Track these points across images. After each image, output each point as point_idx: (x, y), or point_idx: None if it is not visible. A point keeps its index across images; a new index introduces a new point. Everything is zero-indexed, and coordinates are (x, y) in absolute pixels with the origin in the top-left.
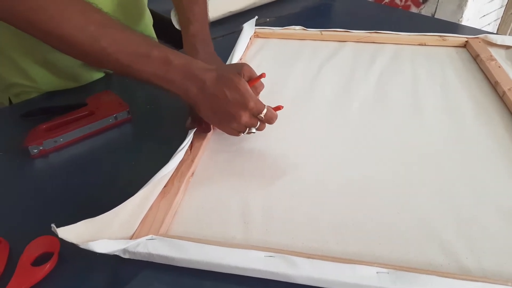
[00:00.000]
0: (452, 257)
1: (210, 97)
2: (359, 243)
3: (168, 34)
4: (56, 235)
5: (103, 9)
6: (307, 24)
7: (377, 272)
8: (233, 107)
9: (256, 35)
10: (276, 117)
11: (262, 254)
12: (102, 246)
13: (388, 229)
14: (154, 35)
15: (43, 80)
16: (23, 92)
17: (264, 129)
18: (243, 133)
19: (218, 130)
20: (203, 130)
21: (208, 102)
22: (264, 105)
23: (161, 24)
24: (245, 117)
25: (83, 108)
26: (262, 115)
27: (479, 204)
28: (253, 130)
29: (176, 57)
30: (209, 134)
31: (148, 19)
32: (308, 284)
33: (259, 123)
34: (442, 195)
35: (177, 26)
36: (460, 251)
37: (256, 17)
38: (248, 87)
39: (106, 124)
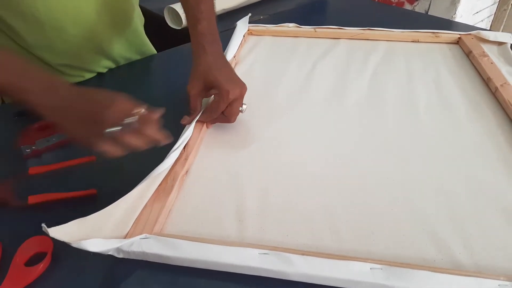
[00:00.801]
0: (445, 253)
1: (69, 110)
2: (353, 240)
3: (161, 32)
4: (48, 235)
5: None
6: (301, 22)
7: (370, 268)
8: (95, 106)
9: (250, 33)
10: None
11: (256, 251)
12: (95, 245)
13: (382, 225)
14: (144, 35)
15: None
16: None
17: (259, 127)
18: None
19: (211, 127)
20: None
21: (68, 115)
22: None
23: (154, 22)
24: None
25: None
26: (129, 120)
27: (472, 200)
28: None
29: (37, 69)
30: (203, 133)
31: (139, 19)
32: (303, 280)
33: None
34: (436, 191)
35: (170, 24)
36: (453, 247)
37: (250, 14)
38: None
39: None
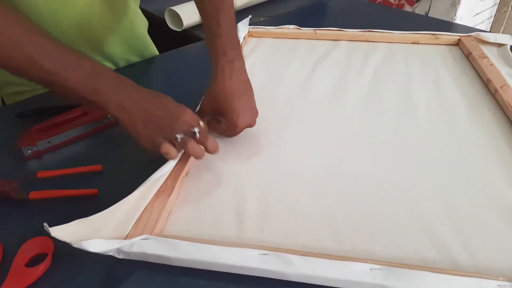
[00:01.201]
0: (445, 253)
1: (141, 112)
2: (353, 241)
3: (161, 34)
4: (49, 236)
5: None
6: (301, 23)
7: (370, 269)
8: (164, 120)
9: (250, 35)
10: (216, 147)
11: (256, 252)
12: (96, 246)
13: (381, 226)
14: (148, 39)
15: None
16: (17, 92)
17: (259, 128)
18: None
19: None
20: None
21: (138, 116)
22: (198, 122)
23: (154, 24)
24: (179, 128)
25: (77, 109)
26: (195, 130)
27: (472, 201)
28: (178, 137)
29: (106, 69)
30: None
31: (142, 23)
32: (303, 281)
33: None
34: (435, 192)
35: (171, 26)
36: (453, 247)
37: (250, 16)
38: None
39: (100, 125)
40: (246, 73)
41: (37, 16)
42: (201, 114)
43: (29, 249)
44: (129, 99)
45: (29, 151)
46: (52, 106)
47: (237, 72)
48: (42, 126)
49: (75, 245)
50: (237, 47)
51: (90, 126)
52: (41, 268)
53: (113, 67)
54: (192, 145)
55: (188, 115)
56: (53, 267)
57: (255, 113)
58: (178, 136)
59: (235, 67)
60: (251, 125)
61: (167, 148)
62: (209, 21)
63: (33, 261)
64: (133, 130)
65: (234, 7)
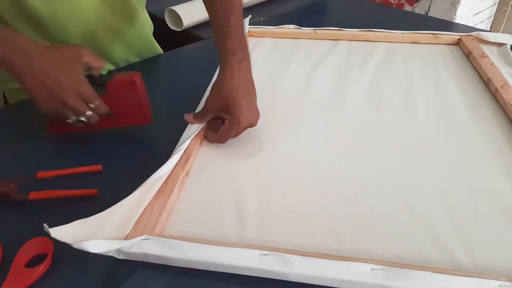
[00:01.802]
0: (446, 253)
1: (37, 73)
2: (353, 241)
3: (161, 35)
4: (49, 236)
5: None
6: (301, 23)
7: (371, 269)
8: (62, 89)
9: (250, 34)
10: (106, 112)
11: (257, 252)
12: (95, 246)
13: (382, 226)
14: (153, 41)
15: None
16: (19, 88)
17: (259, 128)
18: (71, 119)
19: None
20: (214, 138)
21: (34, 78)
22: (98, 97)
23: (154, 24)
24: (73, 100)
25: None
26: (92, 105)
27: (473, 201)
28: (83, 118)
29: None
30: (203, 134)
31: (146, 24)
32: (303, 281)
33: (89, 113)
34: (436, 192)
35: (171, 26)
36: (454, 247)
37: (250, 16)
38: (82, 73)
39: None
40: (251, 72)
41: (41, 24)
42: (205, 111)
43: (29, 249)
44: (21, 59)
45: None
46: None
47: (244, 72)
48: None
49: (75, 246)
50: (246, 47)
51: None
52: (41, 268)
53: (113, 68)
54: (91, 117)
55: (87, 87)
56: (53, 267)
57: (257, 113)
58: (71, 120)
59: (242, 66)
60: (252, 124)
61: (56, 117)
62: (219, 21)
63: (33, 262)
64: (30, 93)
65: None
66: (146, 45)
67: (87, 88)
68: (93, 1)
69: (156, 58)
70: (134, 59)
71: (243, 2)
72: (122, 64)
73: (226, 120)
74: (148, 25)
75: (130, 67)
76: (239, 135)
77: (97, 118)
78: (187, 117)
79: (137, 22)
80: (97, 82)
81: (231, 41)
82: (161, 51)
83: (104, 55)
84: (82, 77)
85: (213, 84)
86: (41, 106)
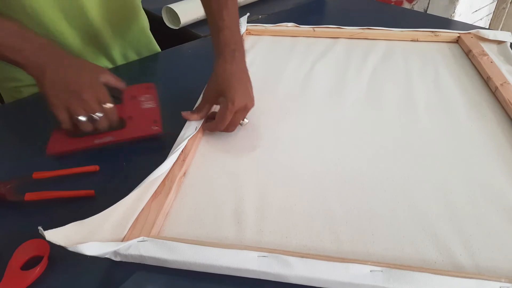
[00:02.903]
0: (446, 254)
1: (60, 70)
2: (353, 242)
3: (159, 33)
4: (45, 238)
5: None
6: (300, 21)
7: (370, 271)
8: (79, 85)
9: (248, 32)
10: (116, 120)
11: (255, 254)
12: (92, 249)
13: (382, 227)
14: (151, 38)
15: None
16: (15, 87)
17: (257, 127)
18: (83, 116)
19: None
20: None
21: (55, 73)
22: (112, 102)
23: (152, 22)
24: (88, 96)
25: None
26: (106, 106)
27: (473, 201)
28: (94, 116)
29: (31, 31)
30: (201, 134)
31: (144, 22)
32: (302, 283)
33: (100, 114)
34: (436, 192)
35: (168, 24)
36: (454, 248)
37: (248, 14)
38: (101, 81)
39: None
40: (245, 63)
41: (40, 21)
42: (202, 102)
43: (24, 251)
44: (47, 60)
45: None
46: None
47: (237, 60)
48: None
49: (70, 249)
50: (239, 40)
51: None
52: (37, 271)
53: (111, 66)
54: (100, 121)
55: (99, 92)
56: (49, 270)
57: (252, 98)
58: (81, 118)
59: (235, 56)
60: (247, 107)
61: (64, 117)
62: (214, 16)
63: (29, 264)
64: (43, 89)
65: (238, 5)
66: (145, 42)
67: (103, 91)
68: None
69: (154, 56)
70: (133, 56)
71: (241, 0)
72: (120, 62)
73: (221, 103)
74: (146, 22)
75: (128, 65)
76: (238, 135)
77: (106, 124)
78: (185, 114)
79: (137, 18)
80: (113, 93)
81: (224, 33)
82: (158, 48)
83: (103, 52)
84: (100, 83)
85: (211, 76)
86: (55, 99)
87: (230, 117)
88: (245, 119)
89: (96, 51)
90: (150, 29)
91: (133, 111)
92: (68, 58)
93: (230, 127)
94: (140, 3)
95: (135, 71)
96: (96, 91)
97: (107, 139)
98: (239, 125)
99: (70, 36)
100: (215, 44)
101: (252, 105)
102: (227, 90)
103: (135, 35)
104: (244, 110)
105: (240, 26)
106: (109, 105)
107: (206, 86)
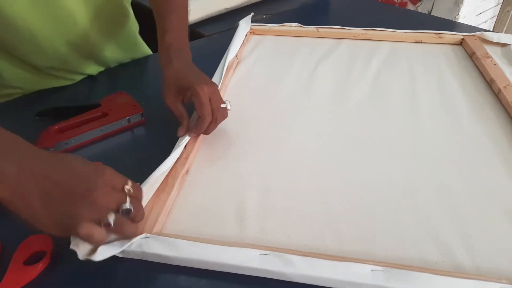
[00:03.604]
0: (447, 255)
1: (38, 182)
2: (354, 241)
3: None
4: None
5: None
6: (304, 21)
7: (371, 270)
8: (88, 190)
9: (252, 32)
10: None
11: (257, 252)
12: (100, 254)
13: (384, 227)
14: (140, 41)
15: (13, 76)
16: (8, 94)
17: (260, 127)
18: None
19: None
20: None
21: (35, 188)
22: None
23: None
24: (105, 193)
25: (97, 109)
26: (129, 186)
27: (474, 202)
28: (126, 206)
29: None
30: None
31: (133, 25)
32: (303, 282)
33: (128, 206)
34: (438, 193)
35: None
36: (455, 249)
37: (252, 13)
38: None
39: (119, 127)
40: (191, 61)
41: (29, 31)
42: (169, 105)
43: (28, 246)
44: (18, 165)
45: None
46: (72, 105)
47: (183, 57)
48: (60, 126)
49: (82, 258)
50: (185, 43)
51: (109, 127)
52: (40, 266)
53: (103, 69)
54: (127, 225)
55: (110, 176)
56: (51, 265)
57: (212, 81)
58: (110, 218)
59: (182, 55)
60: (214, 89)
61: (89, 229)
62: (162, 20)
63: (32, 259)
64: (28, 211)
65: (189, 13)
66: (135, 45)
67: (115, 177)
68: (79, 3)
69: (147, 57)
70: (127, 60)
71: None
72: (114, 65)
73: (193, 97)
74: (135, 26)
75: (122, 66)
76: (240, 133)
77: (140, 206)
78: (179, 132)
79: (128, 24)
80: (92, 104)
81: (170, 36)
82: (149, 51)
83: (96, 58)
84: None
85: (162, 81)
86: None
87: (208, 105)
88: (226, 102)
89: (84, 55)
90: (152, 28)
91: (112, 106)
92: (45, 158)
93: (215, 115)
94: (128, 4)
95: (129, 72)
96: (109, 181)
97: (93, 125)
98: (227, 110)
99: (56, 42)
100: (161, 45)
101: (217, 88)
102: (188, 83)
103: (123, 40)
104: (214, 92)
105: (188, 29)
106: (130, 184)
107: (163, 92)
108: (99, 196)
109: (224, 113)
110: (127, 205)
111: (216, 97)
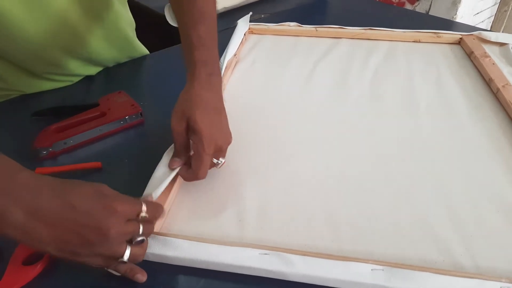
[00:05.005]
0: (447, 254)
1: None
2: (354, 240)
3: (161, 30)
4: None
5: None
6: (302, 21)
7: (371, 269)
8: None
9: (251, 31)
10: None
11: (256, 251)
12: None
13: (383, 226)
14: (135, 40)
15: (13, 79)
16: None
17: (259, 126)
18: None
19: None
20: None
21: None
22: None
23: (154, 21)
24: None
25: (95, 109)
26: (143, 215)
27: (474, 201)
28: (139, 238)
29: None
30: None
31: (126, 23)
32: (303, 281)
33: (141, 237)
34: (437, 192)
35: (171, 22)
36: (455, 248)
37: (251, 13)
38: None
39: (118, 126)
40: (221, 90)
41: (22, 36)
42: (175, 132)
43: (26, 246)
44: (23, 210)
45: (45, 152)
46: (70, 105)
47: (214, 87)
48: (58, 126)
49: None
50: (216, 61)
51: (107, 127)
52: (39, 266)
53: (101, 69)
54: (140, 255)
55: (122, 209)
56: (51, 265)
57: (228, 134)
58: (125, 257)
59: (212, 81)
60: (222, 146)
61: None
62: (190, 34)
63: (31, 259)
64: (41, 250)
65: (217, 18)
66: (127, 44)
67: (125, 205)
68: (62, 2)
69: (147, 57)
70: (124, 59)
71: None
72: (111, 65)
73: (193, 145)
74: (129, 24)
75: (120, 66)
76: (239, 133)
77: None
78: (172, 165)
79: (113, 18)
80: (90, 104)
81: (200, 52)
82: (145, 50)
83: (92, 61)
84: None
85: (179, 99)
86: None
87: (208, 159)
88: (220, 159)
89: (79, 57)
90: (152, 28)
91: (111, 106)
92: (50, 197)
93: (199, 171)
94: (120, 2)
95: (127, 72)
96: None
97: (91, 125)
98: (214, 166)
99: (51, 47)
100: (188, 61)
101: (229, 141)
102: (200, 123)
103: (111, 36)
104: (219, 150)
105: (217, 43)
106: (144, 209)
107: (173, 115)
108: (113, 237)
109: (216, 166)
110: (140, 236)
111: (217, 154)
